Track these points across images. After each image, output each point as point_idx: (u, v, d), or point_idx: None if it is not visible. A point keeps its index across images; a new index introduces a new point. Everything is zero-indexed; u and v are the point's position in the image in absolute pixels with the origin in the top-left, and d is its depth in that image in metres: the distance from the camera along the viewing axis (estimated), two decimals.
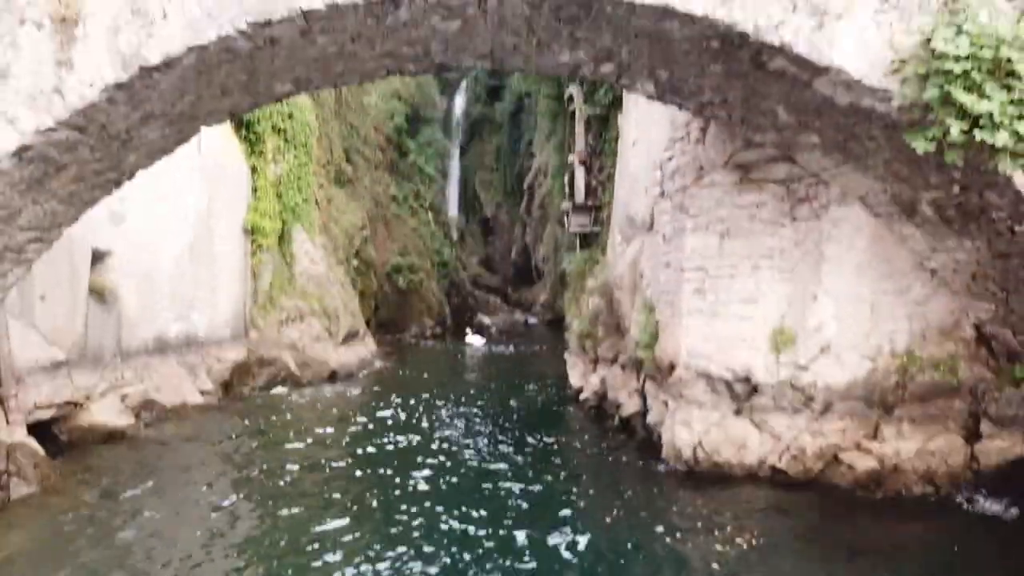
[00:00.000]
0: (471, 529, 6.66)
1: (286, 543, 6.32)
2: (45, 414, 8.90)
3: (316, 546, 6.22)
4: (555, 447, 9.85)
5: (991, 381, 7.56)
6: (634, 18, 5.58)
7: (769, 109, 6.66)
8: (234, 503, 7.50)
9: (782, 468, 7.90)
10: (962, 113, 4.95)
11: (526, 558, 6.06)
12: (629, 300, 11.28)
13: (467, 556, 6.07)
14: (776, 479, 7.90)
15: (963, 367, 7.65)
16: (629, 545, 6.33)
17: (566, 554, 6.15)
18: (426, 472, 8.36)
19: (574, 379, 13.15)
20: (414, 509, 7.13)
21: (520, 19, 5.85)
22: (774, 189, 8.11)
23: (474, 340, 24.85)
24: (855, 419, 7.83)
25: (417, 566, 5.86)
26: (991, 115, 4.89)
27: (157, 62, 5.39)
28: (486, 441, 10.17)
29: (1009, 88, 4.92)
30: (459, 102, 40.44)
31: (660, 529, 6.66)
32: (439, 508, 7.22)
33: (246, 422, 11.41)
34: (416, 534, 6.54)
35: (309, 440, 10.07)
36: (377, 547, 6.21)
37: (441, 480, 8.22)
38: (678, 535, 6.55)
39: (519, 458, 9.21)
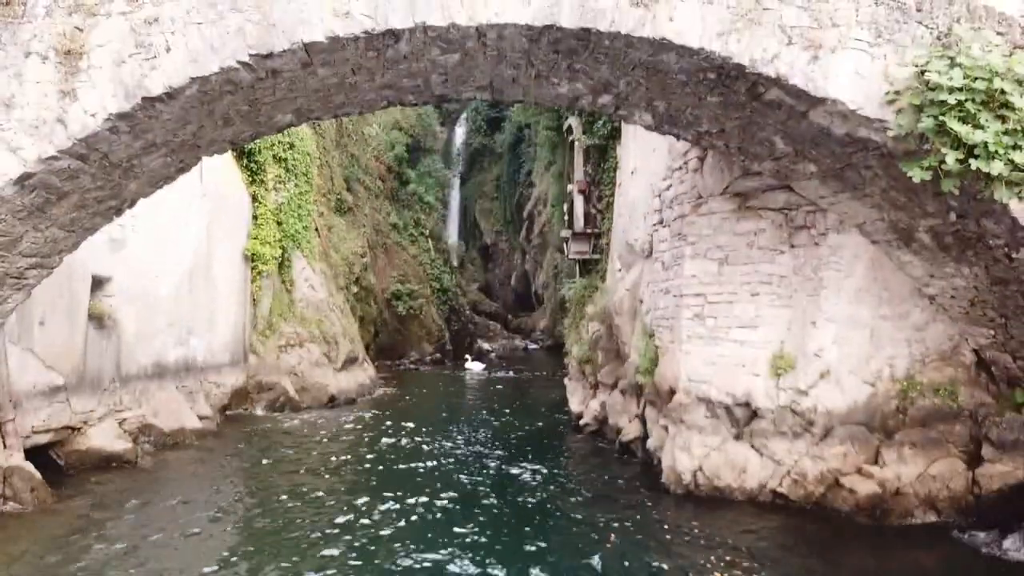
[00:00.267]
0: (468, 553, 6.61)
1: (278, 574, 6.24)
2: (43, 438, 8.87)
3: None
4: (555, 472, 9.79)
5: (992, 406, 7.56)
6: (631, 51, 5.66)
7: (766, 139, 6.72)
8: (225, 528, 7.45)
9: (783, 492, 7.88)
10: (957, 143, 5.00)
11: None
12: (629, 326, 11.29)
13: None
14: (777, 503, 7.88)
15: (963, 392, 7.65)
16: (628, 570, 6.27)
17: None
18: (423, 499, 8.31)
19: (574, 404, 13.11)
20: (409, 539, 7.04)
21: (519, 52, 5.93)
22: (772, 217, 8.17)
23: (474, 366, 24.81)
24: (856, 443, 7.80)
25: None
26: (986, 145, 4.94)
27: (160, 93, 5.46)
28: (485, 466, 10.11)
29: (1003, 119, 4.98)
30: (459, 132, 40.88)
31: (659, 553, 6.62)
32: (437, 532, 7.16)
33: (244, 447, 11.34)
34: (411, 562, 6.45)
35: (305, 468, 9.99)
36: None
37: (440, 504, 8.16)
38: (678, 559, 6.51)
39: (518, 483, 9.16)
